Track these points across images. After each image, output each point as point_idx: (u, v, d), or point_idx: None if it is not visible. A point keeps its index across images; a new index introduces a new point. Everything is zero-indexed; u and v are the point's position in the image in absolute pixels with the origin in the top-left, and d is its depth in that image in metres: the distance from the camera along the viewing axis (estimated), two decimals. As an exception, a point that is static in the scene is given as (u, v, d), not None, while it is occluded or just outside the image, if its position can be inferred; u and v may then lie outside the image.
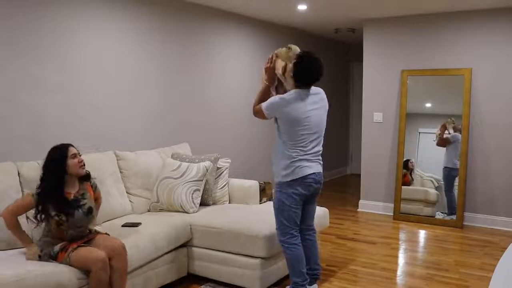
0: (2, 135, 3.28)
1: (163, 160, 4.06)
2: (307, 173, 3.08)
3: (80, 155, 2.87)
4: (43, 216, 2.74)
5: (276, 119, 3.12)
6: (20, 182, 3.06)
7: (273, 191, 3.26)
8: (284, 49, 3.16)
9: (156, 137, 4.50)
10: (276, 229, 3.20)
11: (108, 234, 2.95)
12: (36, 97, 3.48)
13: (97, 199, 3.04)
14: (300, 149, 3.06)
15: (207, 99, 5.16)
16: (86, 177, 2.94)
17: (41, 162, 3.20)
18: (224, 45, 5.37)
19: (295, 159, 3.06)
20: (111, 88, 4.07)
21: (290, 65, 3.09)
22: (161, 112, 4.58)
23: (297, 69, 3.03)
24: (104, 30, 3.97)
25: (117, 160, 3.81)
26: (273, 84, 3.24)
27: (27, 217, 3.03)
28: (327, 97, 3.22)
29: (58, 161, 2.79)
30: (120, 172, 3.80)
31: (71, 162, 2.81)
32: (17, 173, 3.07)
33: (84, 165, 2.88)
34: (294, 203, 3.11)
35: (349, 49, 8.18)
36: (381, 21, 5.64)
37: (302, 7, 5.09)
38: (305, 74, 3.04)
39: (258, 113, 3.18)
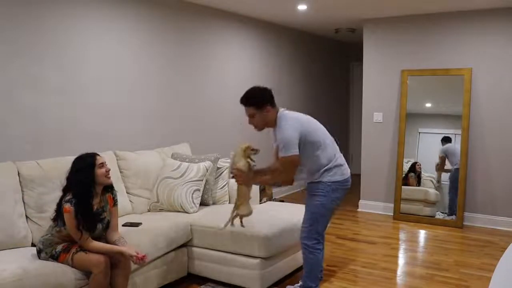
0: (2, 135, 3.28)
1: (163, 160, 4.06)
2: (348, 175, 3.14)
3: (106, 164, 2.83)
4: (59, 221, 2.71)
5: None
6: (19, 182, 3.06)
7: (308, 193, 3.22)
8: (235, 158, 3.13)
9: (156, 137, 4.50)
10: (305, 232, 3.15)
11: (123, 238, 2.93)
12: (36, 97, 3.48)
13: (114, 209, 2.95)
14: (330, 154, 3.07)
15: (207, 99, 5.16)
16: (109, 187, 2.89)
17: (40, 161, 3.21)
18: (224, 45, 5.37)
19: (334, 162, 3.07)
20: (111, 88, 4.07)
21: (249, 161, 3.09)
22: (161, 112, 4.58)
23: (260, 96, 3.01)
24: (104, 30, 3.97)
25: (117, 160, 3.81)
26: (250, 177, 3.10)
27: (27, 217, 3.05)
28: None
29: (86, 170, 2.73)
30: (120, 172, 3.80)
31: (99, 171, 2.76)
32: (17, 173, 3.07)
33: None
34: (335, 207, 3.16)
35: (349, 49, 8.18)
36: (381, 21, 5.64)
37: (302, 7, 5.09)
38: (267, 92, 3.04)
39: (292, 162, 2.92)
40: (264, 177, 3.14)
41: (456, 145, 5.21)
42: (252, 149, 3.10)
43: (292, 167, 2.96)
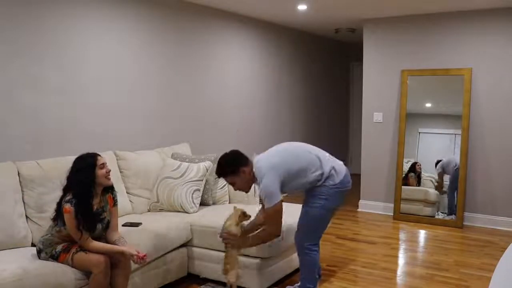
0: (2, 135, 3.28)
1: (163, 160, 4.06)
2: (344, 170, 3.12)
3: (107, 165, 2.81)
4: (59, 221, 2.70)
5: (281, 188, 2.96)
6: (20, 182, 3.06)
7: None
8: (227, 222, 3.11)
9: (156, 137, 4.50)
10: (302, 233, 3.15)
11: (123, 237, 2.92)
12: (36, 97, 3.48)
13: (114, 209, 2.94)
14: (318, 165, 3.05)
15: (207, 99, 5.16)
16: (109, 188, 2.87)
17: (40, 161, 3.21)
18: (224, 45, 5.37)
19: (328, 167, 3.06)
20: (111, 88, 4.07)
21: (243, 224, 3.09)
22: (161, 112, 4.58)
23: (232, 163, 2.99)
24: (104, 30, 3.97)
25: (117, 160, 3.81)
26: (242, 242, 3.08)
27: (27, 217, 3.05)
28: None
29: (87, 170, 2.71)
30: (120, 172, 3.80)
31: (99, 172, 2.74)
32: (17, 173, 3.07)
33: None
34: (335, 210, 3.16)
35: (349, 49, 8.18)
36: (381, 21, 5.64)
37: (302, 7, 5.09)
38: (236, 156, 3.03)
39: (277, 211, 2.91)
40: (253, 235, 3.08)
41: (449, 156, 5.27)
42: (246, 215, 3.09)
43: (278, 215, 2.95)
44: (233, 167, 2.98)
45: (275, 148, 3.12)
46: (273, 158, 2.99)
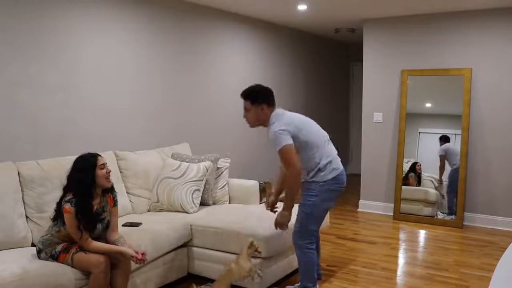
0: (2, 135, 3.28)
1: (163, 160, 4.06)
2: (340, 169, 3.13)
3: (107, 166, 2.81)
4: (59, 220, 2.70)
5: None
6: (19, 182, 3.06)
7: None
8: (245, 264, 2.95)
9: (156, 137, 4.50)
10: (297, 232, 3.16)
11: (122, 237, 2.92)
12: (36, 97, 3.48)
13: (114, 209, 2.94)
14: (321, 154, 3.07)
15: (207, 99, 5.16)
16: (109, 188, 2.87)
17: (40, 161, 3.22)
18: (224, 45, 5.37)
19: (326, 161, 3.07)
20: (111, 88, 4.07)
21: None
22: (161, 112, 4.58)
23: (258, 93, 3.05)
24: (104, 30, 3.97)
25: (117, 160, 3.81)
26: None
27: (27, 217, 3.05)
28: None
29: (87, 170, 2.72)
30: (120, 172, 3.80)
31: (100, 172, 2.75)
32: (17, 173, 3.07)
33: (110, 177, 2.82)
34: (327, 208, 3.16)
35: (349, 49, 8.18)
36: (381, 21, 5.64)
37: (302, 7, 5.09)
38: (267, 92, 3.07)
39: (288, 152, 2.89)
40: (286, 194, 3.08)
41: (455, 145, 5.22)
42: (256, 250, 3.03)
43: (291, 156, 2.91)
44: (258, 97, 3.05)
45: (297, 114, 3.15)
46: (291, 117, 3.04)
